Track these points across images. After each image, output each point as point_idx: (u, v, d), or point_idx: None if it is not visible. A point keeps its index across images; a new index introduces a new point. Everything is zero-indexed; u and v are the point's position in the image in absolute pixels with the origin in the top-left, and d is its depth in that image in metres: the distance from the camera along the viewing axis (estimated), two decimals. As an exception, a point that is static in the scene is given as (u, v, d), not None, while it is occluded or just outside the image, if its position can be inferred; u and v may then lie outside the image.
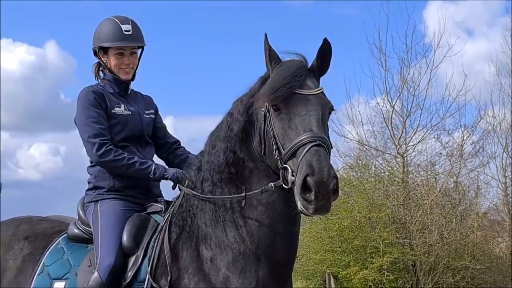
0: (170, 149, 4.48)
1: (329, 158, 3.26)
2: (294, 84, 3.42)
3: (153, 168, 4.00)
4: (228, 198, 3.70)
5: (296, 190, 3.18)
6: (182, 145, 4.56)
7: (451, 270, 15.68)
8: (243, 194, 3.64)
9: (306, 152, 3.20)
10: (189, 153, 4.40)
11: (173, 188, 3.98)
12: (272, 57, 3.60)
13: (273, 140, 3.43)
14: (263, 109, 3.52)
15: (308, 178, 3.11)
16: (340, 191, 3.24)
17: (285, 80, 3.42)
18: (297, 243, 3.78)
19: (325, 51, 3.58)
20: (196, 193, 3.80)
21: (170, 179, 3.97)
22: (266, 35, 3.59)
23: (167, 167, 4.07)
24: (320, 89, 3.51)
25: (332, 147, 3.46)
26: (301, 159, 3.19)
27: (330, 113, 3.53)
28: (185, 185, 3.90)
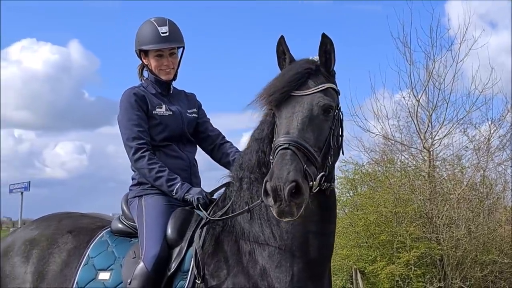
0: (215, 144, 4.55)
1: (301, 161, 3.24)
2: (289, 89, 3.46)
3: (176, 187, 4.08)
4: (232, 216, 3.81)
5: None
6: (225, 139, 4.62)
7: (479, 264, 15.54)
8: (247, 207, 3.74)
9: (275, 156, 3.29)
10: (236, 150, 4.46)
11: (195, 208, 4.06)
12: (285, 57, 3.68)
13: (273, 144, 3.50)
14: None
15: (267, 184, 3.19)
16: (304, 194, 3.18)
17: (281, 84, 3.48)
18: (332, 241, 3.84)
19: (326, 47, 3.60)
20: (209, 216, 3.90)
21: (189, 201, 4.05)
22: (283, 37, 3.65)
23: (191, 186, 4.13)
24: (319, 88, 3.51)
25: (322, 148, 3.42)
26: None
27: (327, 112, 3.48)
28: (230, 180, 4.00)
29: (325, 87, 3.52)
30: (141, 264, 3.86)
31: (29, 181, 25.09)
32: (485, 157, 16.52)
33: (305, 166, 3.24)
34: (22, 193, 24.43)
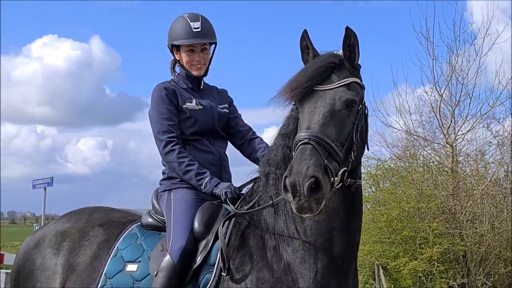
0: (245, 140, 4.58)
1: (322, 156, 3.22)
2: (312, 84, 3.45)
3: (205, 181, 4.12)
4: (257, 210, 3.83)
5: None
6: (256, 134, 4.64)
7: (503, 260, 15.43)
8: (271, 202, 3.74)
9: (295, 151, 3.28)
10: (266, 145, 4.44)
11: (223, 202, 4.10)
12: (308, 52, 3.68)
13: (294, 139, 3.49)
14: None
15: (286, 179, 3.17)
16: (323, 190, 3.15)
17: (304, 79, 3.46)
18: (357, 239, 3.82)
19: (350, 40, 3.58)
20: (235, 210, 3.92)
21: (217, 195, 4.08)
22: (306, 31, 3.65)
23: (220, 181, 4.17)
24: (342, 82, 3.48)
25: (344, 143, 3.39)
26: None
27: (350, 106, 3.44)
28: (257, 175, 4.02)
29: (348, 81, 3.49)
30: (168, 256, 3.89)
31: (52, 177, 25.28)
32: (509, 152, 16.39)
33: (325, 161, 3.22)
34: (45, 188, 24.66)
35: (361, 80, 3.63)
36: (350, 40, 3.57)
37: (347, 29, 3.54)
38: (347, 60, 3.59)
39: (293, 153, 3.36)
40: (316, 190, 3.13)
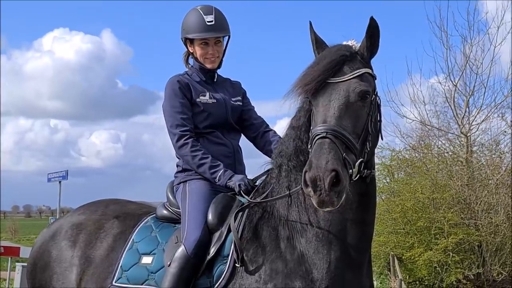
0: (258, 132, 4.59)
1: (340, 149, 3.22)
2: (325, 77, 3.44)
3: (219, 174, 4.14)
4: (272, 199, 3.84)
5: None
6: (269, 127, 4.64)
7: (518, 250, 15.39)
8: (288, 192, 3.75)
9: (313, 146, 3.28)
10: (279, 138, 4.39)
11: (237, 194, 4.12)
12: (317, 44, 3.69)
13: (311, 133, 3.49)
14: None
15: (306, 174, 3.17)
16: (343, 183, 3.16)
17: (316, 73, 3.45)
18: (371, 230, 3.82)
19: (373, 31, 3.57)
20: (250, 200, 3.94)
21: (231, 187, 4.11)
22: (310, 23, 3.66)
23: (234, 173, 4.18)
24: (355, 74, 3.46)
25: (360, 135, 3.39)
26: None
27: (364, 97, 3.44)
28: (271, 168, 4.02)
29: (361, 72, 3.48)
30: (182, 247, 3.93)
31: (67, 170, 25.30)
32: (524, 141, 16.29)
33: (344, 154, 3.23)
34: (60, 182, 24.73)
35: (372, 70, 3.63)
36: (374, 31, 3.57)
37: (372, 20, 3.53)
38: (366, 50, 3.59)
39: (310, 147, 3.38)
40: (336, 183, 3.14)
